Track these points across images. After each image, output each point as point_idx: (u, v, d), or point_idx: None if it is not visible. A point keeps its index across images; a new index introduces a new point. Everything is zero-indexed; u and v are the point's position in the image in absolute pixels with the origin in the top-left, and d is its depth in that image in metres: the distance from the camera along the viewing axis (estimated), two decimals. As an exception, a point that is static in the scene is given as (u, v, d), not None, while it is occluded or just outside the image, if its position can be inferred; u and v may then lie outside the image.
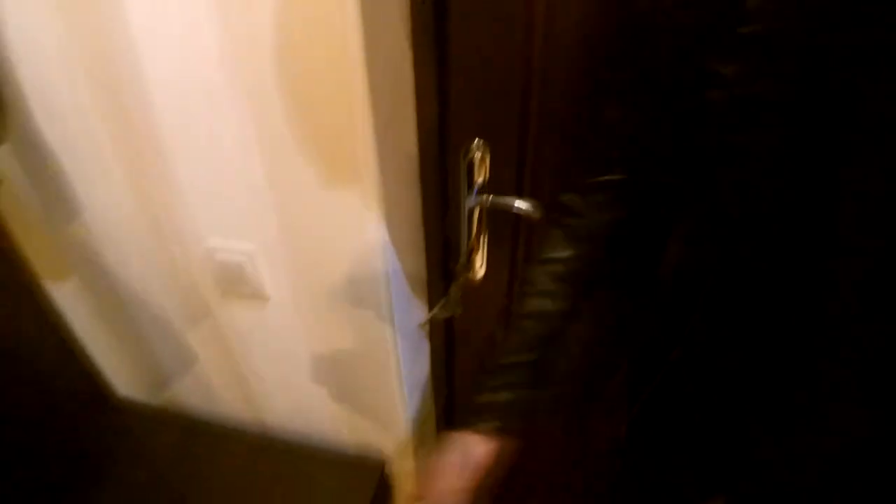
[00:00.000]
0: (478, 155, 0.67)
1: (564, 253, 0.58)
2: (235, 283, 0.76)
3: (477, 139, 0.66)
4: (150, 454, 0.95)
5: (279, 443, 0.93)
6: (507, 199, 0.66)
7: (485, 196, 0.68)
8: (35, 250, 0.89)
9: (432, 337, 0.93)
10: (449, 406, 1.15)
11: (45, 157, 0.76)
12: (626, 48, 0.50)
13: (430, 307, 0.86)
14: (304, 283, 0.74)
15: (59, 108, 0.70)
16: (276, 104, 0.60)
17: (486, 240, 0.74)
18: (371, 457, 0.89)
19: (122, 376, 1.09)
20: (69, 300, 0.97)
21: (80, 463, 0.93)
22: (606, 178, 0.55)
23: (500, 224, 0.75)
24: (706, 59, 0.40)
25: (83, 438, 0.98)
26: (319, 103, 0.59)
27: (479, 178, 0.68)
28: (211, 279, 0.79)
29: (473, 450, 0.60)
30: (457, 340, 0.97)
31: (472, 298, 0.82)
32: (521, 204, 0.65)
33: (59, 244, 0.88)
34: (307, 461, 0.90)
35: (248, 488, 0.86)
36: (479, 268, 0.77)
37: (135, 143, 0.69)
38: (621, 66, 0.51)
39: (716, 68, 0.40)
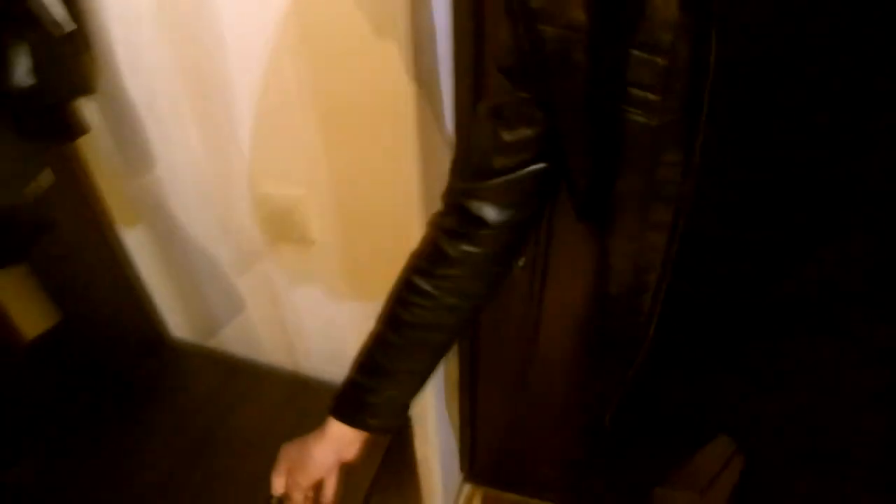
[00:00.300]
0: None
1: (466, 270, 0.57)
2: (285, 227, 0.84)
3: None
4: (196, 390, 1.04)
5: (314, 385, 1.00)
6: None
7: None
8: (111, 195, 0.99)
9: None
10: (474, 374, 1.20)
11: (128, 111, 0.85)
12: (541, 73, 0.45)
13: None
14: (348, 228, 0.81)
15: (144, 64, 0.78)
16: (333, 63, 0.68)
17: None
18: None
19: (176, 318, 1.19)
20: (136, 244, 1.07)
21: (132, 394, 1.03)
22: (523, 175, 0.52)
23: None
24: (629, 87, 0.40)
25: (137, 373, 1.08)
26: (368, 62, 0.66)
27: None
28: (263, 224, 0.87)
29: (350, 445, 0.63)
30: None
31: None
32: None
33: (133, 191, 0.98)
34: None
35: (282, 423, 0.92)
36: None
37: (208, 98, 0.77)
38: (539, 87, 0.47)
39: (640, 95, 0.40)
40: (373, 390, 0.62)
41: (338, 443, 0.63)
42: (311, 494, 0.65)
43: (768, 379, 0.56)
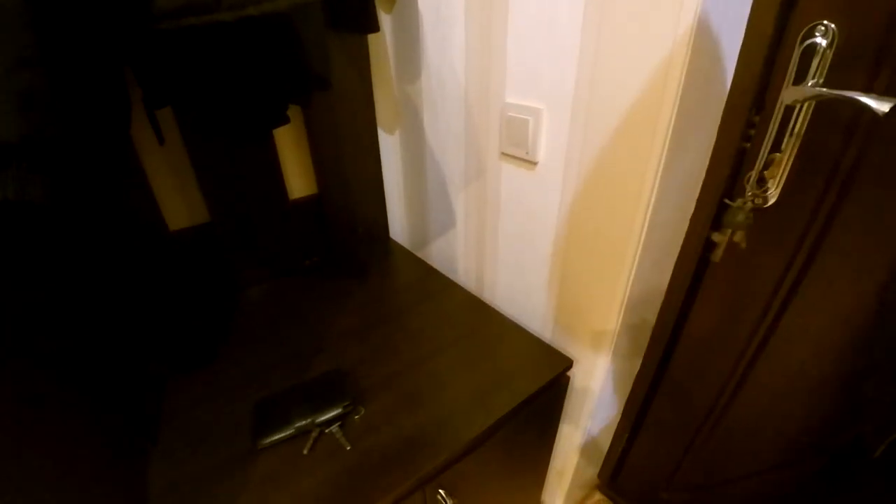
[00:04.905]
0: (821, 42, 0.55)
1: None
2: (515, 143, 0.79)
3: (825, 21, 0.54)
4: (397, 280, 1.10)
5: (493, 312, 0.96)
6: (845, 93, 0.52)
7: (814, 90, 0.55)
8: (380, 99, 1.09)
9: (677, 270, 0.82)
10: (655, 380, 1.02)
11: (413, 20, 0.91)
12: None
13: (696, 229, 0.75)
14: (574, 155, 0.72)
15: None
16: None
17: (793, 153, 0.60)
18: (563, 353, 0.85)
19: (398, 226, 1.28)
20: (387, 148, 1.17)
21: (361, 272, 1.13)
22: None
23: (819, 144, 0.60)
24: None
25: (361, 250, 1.21)
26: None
27: (814, 71, 0.56)
28: (496, 136, 0.83)
29: None
30: (705, 293, 0.83)
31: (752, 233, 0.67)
32: (867, 99, 0.50)
33: (400, 96, 1.05)
34: (510, 330, 0.91)
35: (450, 328, 0.91)
36: (774, 188, 0.62)
37: (483, 10, 0.76)
38: None
39: None
40: None
41: None
42: None
43: None
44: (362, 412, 0.71)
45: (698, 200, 0.70)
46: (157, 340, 0.90)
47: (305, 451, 0.66)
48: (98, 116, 0.56)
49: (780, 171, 0.61)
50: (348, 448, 0.66)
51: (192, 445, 0.68)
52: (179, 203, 0.91)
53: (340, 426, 0.69)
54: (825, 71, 0.55)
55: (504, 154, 0.83)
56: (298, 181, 1.07)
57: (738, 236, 0.65)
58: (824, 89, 0.53)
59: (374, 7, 0.86)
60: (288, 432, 0.67)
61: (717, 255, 0.69)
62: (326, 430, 0.68)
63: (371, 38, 0.99)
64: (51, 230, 0.56)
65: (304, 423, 0.68)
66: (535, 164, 0.78)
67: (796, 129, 0.58)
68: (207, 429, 0.70)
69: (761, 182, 0.62)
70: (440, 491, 0.69)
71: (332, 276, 1.09)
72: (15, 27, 0.34)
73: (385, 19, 0.97)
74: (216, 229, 0.96)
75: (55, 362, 0.59)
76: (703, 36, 0.55)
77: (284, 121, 0.80)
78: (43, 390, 0.54)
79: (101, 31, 0.46)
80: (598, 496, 1.35)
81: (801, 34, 0.55)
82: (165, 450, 0.67)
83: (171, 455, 0.66)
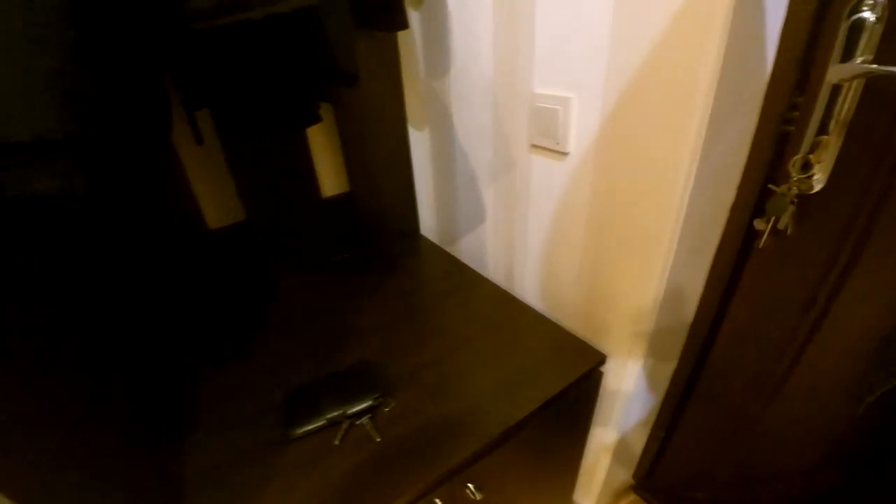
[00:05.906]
0: (870, 17, 0.51)
1: None
2: (545, 133, 0.78)
3: (878, -4, 0.50)
4: (425, 273, 1.10)
5: (521, 305, 0.95)
6: (899, 70, 0.49)
7: (864, 67, 0.51)
8: (410, 96, 1.10)
9: (717, 261, 0.78)
10: (692, 380, 0.98)
11: (441, 15, 0.90)
12: None
13: (736, 217, 0.72)
14: (606, 143, 0.70)
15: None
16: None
17: (842, 136, 0.57)
18: (595, 348, 0.83)
19: (427, 222, 1.28)
20: (416, 145, 1.18)
21: (391, 268, 1.14)
22: None
23: (867, 126, 0.56)
24: None
25: (391, 246, 1.22)
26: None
27: (862, 47, 0.52)
28: (525, 128, 0.82)
29: None
30: (745, 286, 0.79)
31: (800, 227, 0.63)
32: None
33: (428, 93, 1.05)
34: (541, 324, 0.89)
35: (488, 325, 0.90)
36: (821, 174, 0.59)
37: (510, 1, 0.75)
38: None
39: None
40: None
41: None
42: None
43: None
44: (392, 405, 0.72)
45: (740, 187, 0.67)
46: (192, 333, 0.93)
47: (336, 442, 0.66)
48: (140, 116, 0.58)
49: (829, 155, 0.57)
50: (378, 440, 0.66)
51: (224, 434, 0.70)
52: (217, 202, 0.95)
53: (371, 418, 0.70)
54: (875, 47, 0.51)
55: (534, 146, 0.82)
56: (331, 180, 1.09)
57: (783, 223, 0.62)
58: (874, 66, 0.50)
59: (402, 4, 0.86)
60: (320, 423, 0.68)
61: (762, 241, 0.65)
62: (357, 422, 0.69)
63: (400, 35, 1.00)
64: (94, 225, 0.59)
65: (335, 414, 0.69)
66: (565, 154, 0.77)
67: (844, 110, 0.55)
68: (238, 419, 0.72)
69: (806, 167, 0.59)
70: (469, 485, 0.69)
71: (362, 272, 1.11)
72: (60, 28, 0.36)
73: (413, 16, 0.98)
74: (252, 227, 0.99)
75: (94, 353, 0.62)
76: (743, 13, 0.52)
77: (316, 119, 0.81)
78: (80, 381, 0.56)
79: (140, 32, 0.48)
80: (631, 497, 1.31)
81: (848, 9, 0.51)
82: (198, 438, 0.69)
83: (204, 443, 0.69)
